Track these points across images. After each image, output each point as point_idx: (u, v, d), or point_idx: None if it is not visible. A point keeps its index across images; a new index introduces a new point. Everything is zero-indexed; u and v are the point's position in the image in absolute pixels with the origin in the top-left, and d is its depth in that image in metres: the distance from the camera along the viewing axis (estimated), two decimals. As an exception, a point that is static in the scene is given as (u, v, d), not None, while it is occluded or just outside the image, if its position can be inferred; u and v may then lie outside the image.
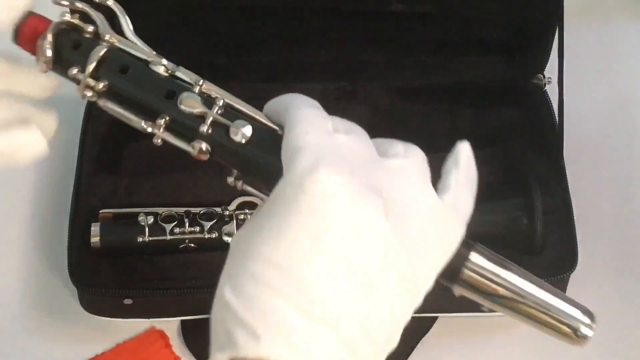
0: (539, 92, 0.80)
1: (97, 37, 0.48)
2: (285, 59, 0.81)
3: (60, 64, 0.48)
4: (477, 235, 0.46)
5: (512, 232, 0.71)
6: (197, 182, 0.75)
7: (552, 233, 0.71)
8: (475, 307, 0.72)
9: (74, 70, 0.47)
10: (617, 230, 0.78)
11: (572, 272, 0.69)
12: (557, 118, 0.75)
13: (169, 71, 0.47)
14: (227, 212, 0.71)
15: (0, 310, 0.74)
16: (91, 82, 0.47)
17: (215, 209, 0.72)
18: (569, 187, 0.74)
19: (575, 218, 0.72)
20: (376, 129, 0.80)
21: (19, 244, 0.77)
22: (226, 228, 0.71)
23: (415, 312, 0.42)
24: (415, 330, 0.72)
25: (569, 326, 0.45)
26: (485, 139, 0.78)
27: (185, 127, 0.46)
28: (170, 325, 0.73)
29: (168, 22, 0.80)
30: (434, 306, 0.71)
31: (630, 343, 0.72)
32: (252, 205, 0.72)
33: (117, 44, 0.48)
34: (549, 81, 0.79)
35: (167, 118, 0.46)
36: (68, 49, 0.48)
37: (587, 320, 0.45)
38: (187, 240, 0.71)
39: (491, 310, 0.45)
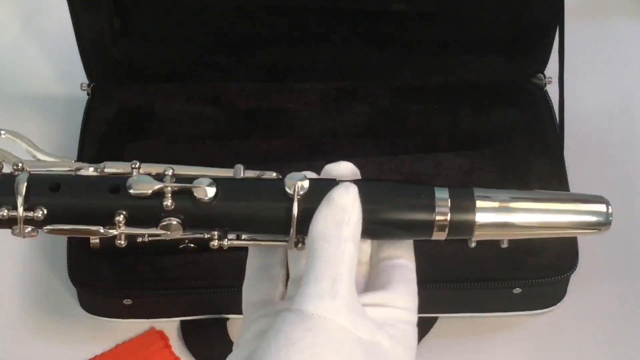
0: (540, 92, 0.80)
1: (8, 174, 0.43)
2: (285, 59, 0.81)
3: None
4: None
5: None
6: (196, 182, 0.74)
7: (552, 233, 0.71)
8: (475, 307, 0.72)
9: (5, 211, 0.42)
10: (617, 230, 0.77)
11: (572, 272, 0.69)
12: (557, 118, 0.75)
13: (98, 170, 0.44)
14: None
15: (0, 310, 0.74)
16: (28, 215, 0.42)
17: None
18: (570, 187, 0.74)
19: (575, 218, 0.72)
20: (376, 129, 0.81)
21: (18, 245, 0.77)
22: None
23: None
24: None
25: (592, 225, 0.44)
26: (485, 139, 0.78)
27: (146, 212, 0.43)
28: (170, 326, 0.73)
29: (168, 22, 0.80)
30: (434, 306, 0.71)
31: (630, 343, 0.72)
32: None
33: (33, 170, 0.43)
34: (549, 81, 0.79)
35: (124, 212, 0.43)
36: None
37: (604, 208, 0.44)
38: (186, 240, 0.71)
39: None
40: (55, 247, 0.75)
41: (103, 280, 0.69)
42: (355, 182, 0.43)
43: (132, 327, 0.72)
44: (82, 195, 0.43)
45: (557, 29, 0.74)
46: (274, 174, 0.44)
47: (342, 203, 0.41)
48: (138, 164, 0.44)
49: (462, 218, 0.43)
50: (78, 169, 0.44)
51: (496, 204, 0.43)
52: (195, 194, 0.42)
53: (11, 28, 0.93)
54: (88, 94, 0.80)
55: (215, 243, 0.45)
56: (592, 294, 0.74)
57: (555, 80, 0.74)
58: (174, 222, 0.43)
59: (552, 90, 0.78)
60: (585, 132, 0.83)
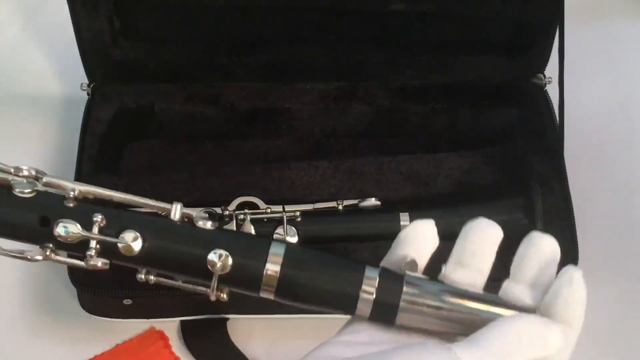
0: (540, 92, 0.80)
1: None
2: (285, 59, 0.81)
3: None
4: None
5: (512, 232, 0.71)
6: (196, 182, 0.75)
7: (552, 233, 0.71)
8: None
9: None
10: (617, 230, 0.77)
11: (572, 272, 0.69)
12: (557, 118, 0.75)
13: (35, 187, 0.44)
14: (226, 212, 0.71)
15: (0, 310, 0.74)
16: None
17: (215, 209, 0.72)
18: (569, 187, 0.74)
19: (575, 218, 0.72)
20: (376, 129, 0.81)
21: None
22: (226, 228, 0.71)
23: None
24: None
25: None
26: (485, 139, 0.78)
27: (73, 250, 0.44)
28: (170, 326, 0.73)
29: (168, 22, 0.80)
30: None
31: (630, 343, 0.72)
32: (252, 205, 0.72)
33: None
34: (549, 81, 0.79)
35: (51, 245, 0.44)
36: None
37: None
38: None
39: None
40: (55, 247, 0.75)
41: (103, 280, 0.69)
42: (290, 244, 0.44)
43: (132, 327, 0.72)
44: (14, 223, 0.45)
45: (557, 29, 0.74)
46: (209, 224, 0.45)
47: (551, 343, 0.44)
48: (75, 190, 0.44)
49: (386, 301, 0.43)
50: (16, 185, 0.44)
51: (424, 295, 0.44)
52: (120, 250, 0.43)
53: (11, 28, 0.93)
54: (88, 94, 0.80)
55: (142, 276, 0.46)
56: (592, 294, 0.74)
57: (555, 80, 0.74)
58: (99, 263, 0.44)
59: (552, 90, 0.78)
60: (585, 132, 0.83)
